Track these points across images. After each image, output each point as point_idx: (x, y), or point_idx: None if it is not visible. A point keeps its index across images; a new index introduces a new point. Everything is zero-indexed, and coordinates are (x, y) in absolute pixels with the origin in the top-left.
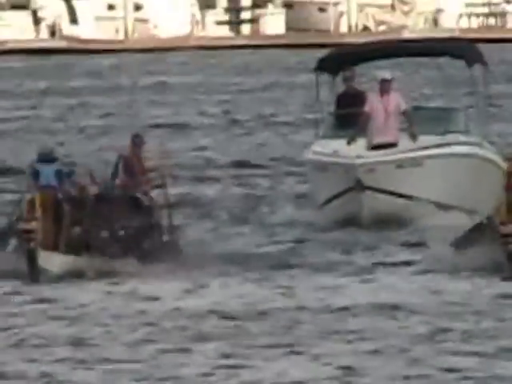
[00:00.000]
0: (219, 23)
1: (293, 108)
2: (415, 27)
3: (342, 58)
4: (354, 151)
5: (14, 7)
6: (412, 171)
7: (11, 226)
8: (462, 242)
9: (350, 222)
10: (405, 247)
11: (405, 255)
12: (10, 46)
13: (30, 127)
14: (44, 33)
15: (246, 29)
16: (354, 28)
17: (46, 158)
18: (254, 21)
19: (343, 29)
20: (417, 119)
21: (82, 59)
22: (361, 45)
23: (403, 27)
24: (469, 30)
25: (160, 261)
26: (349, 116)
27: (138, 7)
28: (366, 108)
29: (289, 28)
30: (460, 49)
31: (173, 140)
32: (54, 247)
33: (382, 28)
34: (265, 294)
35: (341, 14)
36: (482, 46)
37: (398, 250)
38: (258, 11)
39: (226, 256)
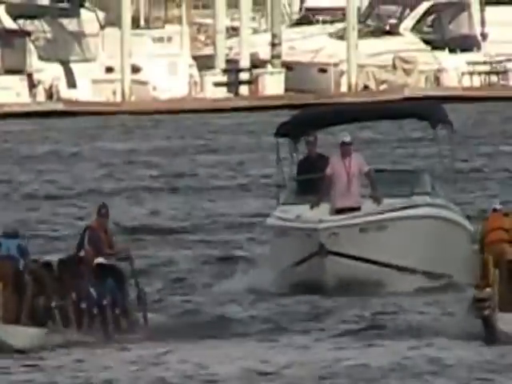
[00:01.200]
0: (217, 84)
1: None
2: (416, 86)
3: (304, 123)
4: (317, 216)
5: (9, 71)
6: (376, 235)
7: None
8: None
9: (313, 287)
10: (374, 313)
11: (372, 320)
12: (5, 109)
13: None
14: (41, 96)
15: (244, 90)
16: (354, 87)
17: (9, 232)
18: (252, 82)
19: (343, 88)
20: (380, 182)
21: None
22: (324, 109)
23: (404, 86)
24: (471, 88)
25: (127, 330)
26: (311, 181)
27: (136, 69)
28: (328, 172)
29: (288, 89)
30: (425, 110)
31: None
32: (15, 320)
33: (382, 87)
34: (221, 360)
35: (341, 74)
36: (484, 104)
37: (364, 315)
38: (256, 72)
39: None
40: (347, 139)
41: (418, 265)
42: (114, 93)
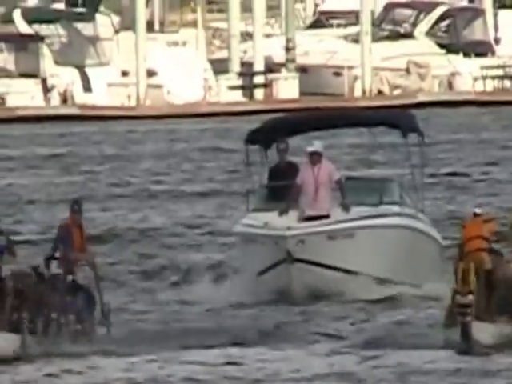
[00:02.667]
0: (232, 88)
1: None
2: (430, 91)
3: (275, 130)
4: (285, 223)
5: (24, 75)
6: (343, 243)
7: None
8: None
9: (281, 294)
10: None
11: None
12: (20, 113)
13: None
14: (55, 100)
15: (259, 93)
16: (368, 92)
17: None
18: (267, 85)
19: (358, 93)
20: (350, 190)
21: (95, 126)
22: (294, 116)
23: (418, 91)
24: (484, 92)
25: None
26: (280, 188)
27: (151, 73)
28: (298, 180)
29: (303, 92)
30: (395, 118)
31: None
32: None
33: (396, 92)
34: (192, 369)
35: (355, 78)
36: (497, 109)
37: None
38: (271, 76)
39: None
40: (314, 148)
41: (385, 273)
42: (129, 97)
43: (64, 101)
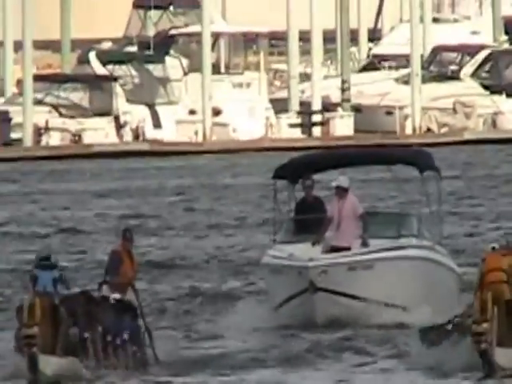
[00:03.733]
0: (292, 126)
1: None
2: (475, 129)
3: (300, 166)
4: (308, 254)
5: (98, 114)
6: (363, 273)
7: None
8: (430, 339)
9: (304, 323)
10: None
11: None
12: (95, 149)
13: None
14: (128, 136)
15: (316, 131)
16: (418, 130)
17: (45, 263)
18: (324, 123)
19: (408, 131)
20: (371, 223)
21: (165, 161)
22: (318, 154)
23: (464, 129)
24: None
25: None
26: (306, 222)
27: (217, 112)
28: (328, 214)
29: (357, 130)
30: (412, 156)
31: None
32: (51, 351)
33: (444, 130)
34: None
35: (406, 117)
36: None
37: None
38: (328, 114)
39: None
40: (339, 183)
41: (404, 303)
42: (196, 133)
43: (136, 137)
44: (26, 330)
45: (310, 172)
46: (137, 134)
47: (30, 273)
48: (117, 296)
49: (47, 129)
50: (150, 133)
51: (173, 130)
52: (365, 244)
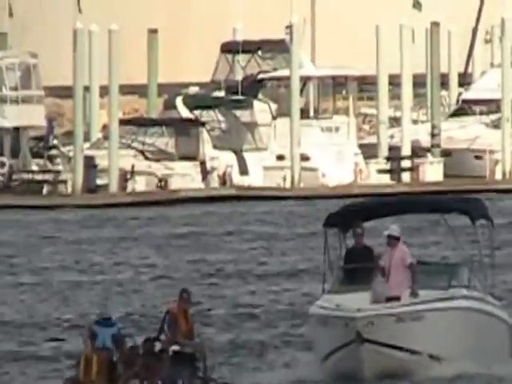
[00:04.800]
0: (381, 171)
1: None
2: None
3: (351, 214)
4: (356, 304)
5: (183, 158)
6: (412, 325)
7: None
8: None
9: (351, 375)
10: None
11: None
12: (182, 194)
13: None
14: (214, 182)
15: (406, 176)
16: (508, 174)
17: (105, 321)
18: (413, 169)
19: (498, 175)
20: (421, 273)
21: (252, 206)
22: (369, 202)
23: None
24: None
25: None
26: (356, 271)
27: (305, 158)
28: (380, 263)
29: (446, 175)
30: (465, 205)
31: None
32: None
33: None
34: None
35: (496, 162)
36: None
37: None
38: (417, 160)
39: None
40: (391, 232)
41: (454, 355)
42: (285, 179)
43: (223, 183)
44: None
45: (360, 220)
46: (224, 180)
47: (88, 328)
48: (176, 348)
49: (133, 173)
50: (237, 179)
51: (260, 176)
52: (414, 294)
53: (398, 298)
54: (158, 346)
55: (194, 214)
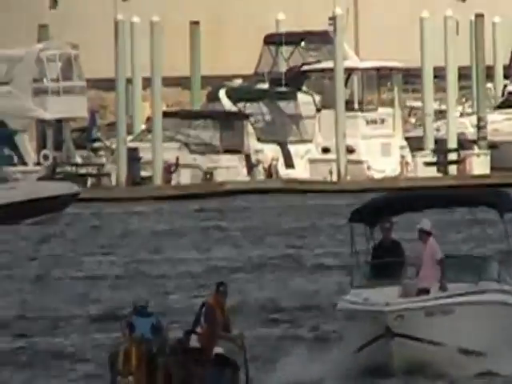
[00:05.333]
0: (427, 164)
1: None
2: None
3: (378, 209)
4: (384, 299)
5: (228, 151)
6: (442, 318)
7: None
8: None
9: (381, 369)
10: None
11: None
12: (228, 187)
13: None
14: (260, 175)
15: (452, 169)
16: None
17: (143, 311)
18: (460, 162)
19: None
20: (450, 267)
21: (298, 200)
22: (396, 196)
23: None
24: None
25: None
26: (384, 266)
27: (350, 150)
28: (411, 257)
29: (493, 167)
30: (493, 198)
31: None
32: None
33: None
34: None
35: None
36: None
37: None
38: (464, 153)
39: None
40: (422, 226)
41: (485, 349)
42: (331, 172)
43: (268, 176)
44: (120, 379)
45: (387, 214)
46: (269, 173)
47: (126, 319)
48: (219, 350)
49: (177, 165)
50: (283, 171)
51: (305, 168)
52: (443, 289)
53: (427, 291)
54: (193, 338)
55: (241, 206)
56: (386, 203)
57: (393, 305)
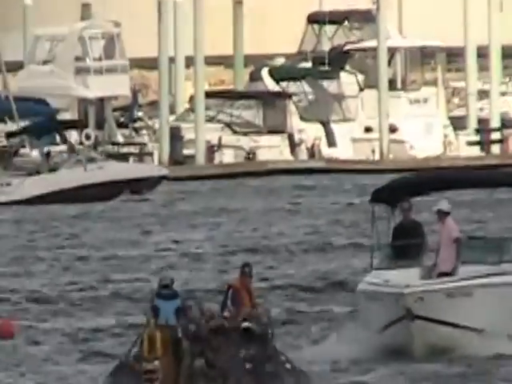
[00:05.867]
0: (470, 144)
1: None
2: None
3: (399, 189)
4: (405, 280)
5: (271, 131)
6: (462, 300)
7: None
8: None
9: (401, 351)
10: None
11: None
12: (270, 166)
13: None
14: (303, 154)
15: (495, 148)
16: None
17: (167, 293)
18: (503, 141)
19: None
20: (470, 248)
21: (341, 179)
22: (418, 176)
23: None
24: None
25: None
26: (405, 247)
27: (393, 129)
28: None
29: None
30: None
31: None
32: None
33: None
34: None
35: None
36: None
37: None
38: (507, 132)
39: None
40: (440, 207)
41: (505, 331)
42: (373, 151)
43: (311, 155)
44: (146, 365)
45: (408, 195)
46: (312, 152)
47: (151, 303)
48: (246, 324)
49: (220, 146)
50: (325, 151)
51: (348, 147)
52: (455, 271)
53: (448, 274)
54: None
55: (284, 186)
56: (407, 183)
57: (413, 286)
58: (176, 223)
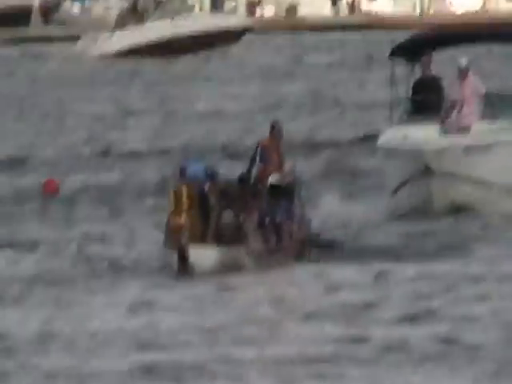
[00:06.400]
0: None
1: None
2: None
3: (419, 43)
4: (424, 137)
5: None
6: (481, 156)
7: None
8: None
9: (420, 208)
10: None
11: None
12: (309, 21)
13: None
14: (343, 10)
15: None
16: None
17: (195, 160)
18: None
19: None
20: (490, 104)
21: (381, 35)
22: (440, 29)
23: None
24: None
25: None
26: (424, 102)
27: None
28: (449, 95)
29: None
30: None
31: None
32: (201, 240)
33: None
34: None
35: None
36: None
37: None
38: None
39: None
40: (460, 64)
41: None
42: (414, 6)
43: (351, 11)
44: (172, 220)
45: (429, 49)
46: (353, 8)
47: (177, 167)
48: (274, 180)
49: (260, 1)
50: (366, 5)
51: (389, 2)
52: (484, 124)
53: (468, 128)
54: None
55: (324, 40)
56: (428, 38)
57: (432, 143)
58: None
